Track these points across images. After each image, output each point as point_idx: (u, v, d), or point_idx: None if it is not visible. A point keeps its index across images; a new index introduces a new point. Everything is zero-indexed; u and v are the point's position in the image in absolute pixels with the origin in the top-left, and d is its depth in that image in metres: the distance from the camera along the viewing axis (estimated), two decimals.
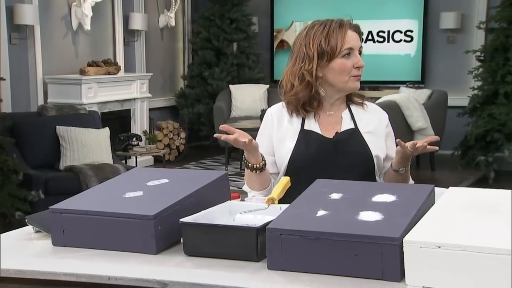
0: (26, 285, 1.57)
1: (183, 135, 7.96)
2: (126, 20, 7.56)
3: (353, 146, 2.09)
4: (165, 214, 1.64)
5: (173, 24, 8.31)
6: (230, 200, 1.86)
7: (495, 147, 6.80)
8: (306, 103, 2.12)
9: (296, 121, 2.14)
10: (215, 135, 2.05)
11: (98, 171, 5.50)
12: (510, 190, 1.47)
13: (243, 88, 8.05)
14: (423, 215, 1.47)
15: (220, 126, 2.05)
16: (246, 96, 8.00)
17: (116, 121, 6.98)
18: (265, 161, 2.08)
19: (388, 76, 8.03)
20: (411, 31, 7.94)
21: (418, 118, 6.28)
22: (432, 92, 7.07)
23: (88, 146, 5.69)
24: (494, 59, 6.83)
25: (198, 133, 8.36)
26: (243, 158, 2.10)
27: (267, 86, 8.18)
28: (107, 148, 5.81)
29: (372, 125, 2.15)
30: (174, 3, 8.23)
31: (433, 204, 1.56)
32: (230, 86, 8.06)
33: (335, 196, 1.61)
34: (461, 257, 1.28)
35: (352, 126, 2.13)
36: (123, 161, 6.35)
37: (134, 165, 6.46)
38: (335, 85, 2.11)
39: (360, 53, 2.11)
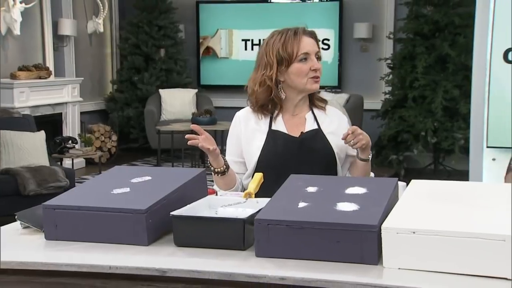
0: (26, 277, 1.59)
1: (114, 137, 7.90)
2: (55, 26, 7.44)
3: (317, 145, 2.21)
4: (155, 208, 1.69)
5: (101, 30, 8.21)
6: (207, 195, 1.93)
7: (405, 147, 7.09)
8: (264, 105, 2.22)
9: (264, 122, 2.24)
10: (186, 136, 2.11)
11: (35, 173, 5.38)
12: (466, 182, 1.61)
13: (172, 92, 8.07)
14: (393, 205, 1.59)
15: (191, 125, 2.13)
16: (175, 100, 8.02)
17: (48, 124, 6.85)
18: (227, 165, 2.17)
19: None
20: (328, 40, 8.20)
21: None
22: (349, 97, 7.33)
23: (24, 149, 5.56)
24: (403, 67, 7.10)
25: (128, 136, 8.32)
26: (208, 162, 2.20)
27: (196, 90, 8.24)
28: (43, 151, 5.69)
29: (334, 126, 2.27)
30: (102, 10, 8.15)
31: (397, 195, 1.70)
32: (160, 90, 8.06)
33: (311, 189, 1.71)
34: (433, 241, 1.40)
35: (316, 126, 2.24)
36: (59, 163, 6.24)
37: (71, 167, 6.36)
38: (296, 88, 2.22)
39: (319, 57, 2.23)
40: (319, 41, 2.28)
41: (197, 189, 1.89)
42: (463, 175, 6.38)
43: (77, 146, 6.40)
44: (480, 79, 3.96)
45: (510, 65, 3.75)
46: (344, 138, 2.09)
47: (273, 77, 2.19)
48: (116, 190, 1.80)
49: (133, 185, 1.83)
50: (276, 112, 2.24)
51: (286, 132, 2.22)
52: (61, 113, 7.30)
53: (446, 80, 6.81)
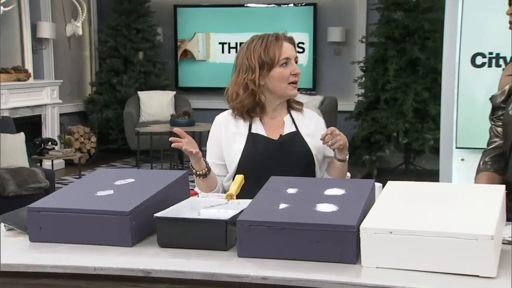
0: (10, 279, 1.57)
1: (93, 139, 7.83)
2: (34, 29, 7.36)
3: (296, 147, 2.21)
4: (139, 210, 1.69)
5: (80, 33, 8.15)
6: (190, 197, 1.93)
7: (377, 147, 7.13)
8: (250, 109, 2.22)
9: (243, 126, 2.24)
10: (170, 139, 2.11)
11: (15, 175, 5.31)
12: (440, 183, 1.63)
13: (151, 94, 8.03)
14: (371, 206, 1.60)
15: (174, 129, 2.13)
16: (154, 102, 7.98)
17: (28, 126, 6.77)
18: (208, 168, 2.17)
19: None
20: (303, 43, 8.22)
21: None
22: (324, 98, 7.37)
23: (4, 150, 5.49)
24: (375, 70, 7.14)
25: (107, 137, 8.26)
26: (190, 165, 2.19)
27: (174, 92, 8.21)
28: (23, 153, 5.63)
29: (311, 128, 2.28)
30: (80, 13, 8.09)
31: (374, 196, 1.71)
32: (139, 92, 8.01)
33: (291, 191, 1.72)
34: (409, 241, 1.42)
35: (294, 129, 2.25)
36: (38, 164, 6.17)
37: (50, 168, 6.29)
38: (276, 92, 2.23)
39: (296, 62, 2.24)
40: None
41: (179, 191, 1.88)
42: (433, 175, 6.46)
43: (56, 148, 6.33)
44: (449, 83, 4.01)
45: (477, 69, 3.81)
46: (323, 139, 2.10)
47: (256, 80, 2.19)
48: (100, 192, 1.79)
49: (117, 187, 1.82)
50: (256, 115, 2.24)
51: (266, 135, 2.22)
52: (40, 115, 7.23)
53: (416, 83, 6.87)
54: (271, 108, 2.26)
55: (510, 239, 1.63)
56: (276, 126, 2.25)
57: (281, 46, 2.20)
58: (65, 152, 6.32)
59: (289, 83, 2.21)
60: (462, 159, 3.93)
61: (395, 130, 6.85)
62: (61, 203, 1.73)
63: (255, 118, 2.24)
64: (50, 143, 6.22)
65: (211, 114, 9.07)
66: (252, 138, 2.21)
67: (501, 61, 3.77)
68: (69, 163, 7.32)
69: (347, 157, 2.21)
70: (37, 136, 6.91)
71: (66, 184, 6.60)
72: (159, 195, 1.78)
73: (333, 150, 2.18)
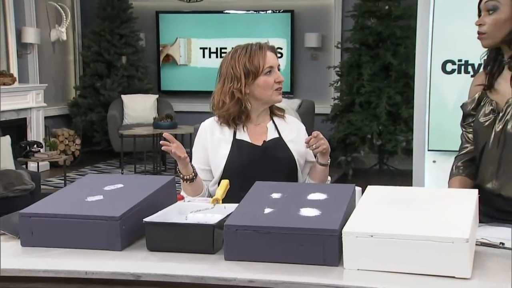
0: (2, 283, 1.55)
1: (78, 141, 7.77)
2: (19, 34, 7.28)
3: (279, 152, 2.22)
4: (128, 215, 1.68)
5: (64, 38, 8.08)
6: (177, 201, 1.92)
7: (352, 149, 7.17)
8: (236, 117, 2.23)
9: (228, 132, 2.24)
10: (161, 142, 2.10)
11: (1, 177, 5.24)
12: (417, 187, 1.65)
13: (134, 97, 7.99)
14: (352, 210, 1.62)
15: (164, 134, 2.12)
16: (137, 105, 7.94)
17: (13, 129, 6.69)
18: (195, 173, 2.17)
19: None
20: (281, 49, 8.24)
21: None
22: (301, 102, 7.39)
23: None
24: (350, 74, 7.18)
25: (91, 140, 8.20)
26: (177, 170, 2.19)
27: (157, 96, 8.18)
28: (9, 155, 5.56)
29: (293, 134, 2.29)
30: (64, 19, 8.02)
31: (354, 200, 1.73)
32: (122, 96, 7.97)
33: (276, 195, 1.72)
34: (389, 244, 1.43)
35: (277, 135, 2.26)
36: (24, 166, 6.11)
37: (36, 170, 6.23)
38: (261, 99, 2.23)
39: (278, 69, 2.25)
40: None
41: (167, 196, 1.88)
42: (405, 174, 6.52)
43: (42, 150, 6.27)
44: (421, 88, 4.05)
45: (447, 75, 3.86)
46: (307, 142, 2.12)
47: (242, 89, 2.19)
48: (90, 197, 1.78)
49: (106, 193, 1.82)
50: (241, 123, 2.24)
51: (250, 141, 2.23)
52: (25, 118, 7.16)
53: (389, 87, 6.93)
54: (256, 115, 2.27)
55: (482, 240, 1.66)
56: (259, 132, 2.25)
57: (264, 55, 2.20)
58: (50, 154, 6.25)
59: (274, 90, 2.22)
60: (434, 161, 3.98)
61: (369, 132, 6.89)
62: (52, 209, 1.71)
63: (239, 125, 2.24)
64: (35, 145, 6.15)
65: (193, 116, 9.10)
66: (237, 144, 2.21)
67: (469, 68, 3.82)
68: (54, 165, 7.25)
69: (328, 161, 2.23)
70: (23, 139, 6.84)
71: (52, 186, 6.57)
72: (147, 200, 1.77)
73: (316, 154, 2.19)
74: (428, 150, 3.97)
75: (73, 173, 7.22)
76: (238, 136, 2.23)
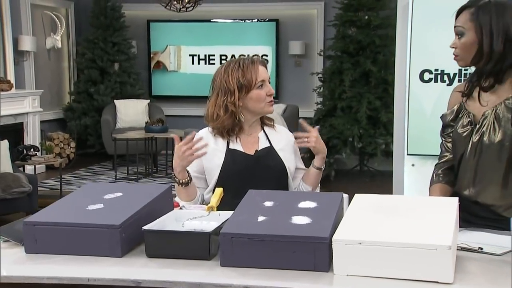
0: None
1: (73, 144, 7.73)
2: (15, 42, 7.24)
3: (271, 161, 2.22)
4: (128, 223, 1.68)
5: (59, 46, 8.04)
6: (173, 209, 1.92)
7: (335, 151, 7.19)
8: (230, 129, 2.22)
9: (222, 142, 2.24)
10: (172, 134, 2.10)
11: (0, 180, 5.21)
12: (402, 196, 1.66)
13: (126, 102, 7.96)
14: (340, 217, 1.63)
15: (173, 135, 2.13)
16: (129, 110, 7.91)
17: (11, 133, 6.65)
18: (190, 177, 2.16)
19: None
20: (266, 56, 8.25)
21: None
22: (286, 106, 7.40)
23: None
24: (332, 80, 7.21)
25: (85, 143, 8.15)
26: (173, 175, 2.17)
27: (148, 100, 8.16)
28: (7, 159, 5.52)
29: (283, 143, 2.29)
30: (59, 27, 7.97)
31: (343, 207, 1.74)
32: (115, 101, 7.94)
33: (268, 204, 1.73)
34: (377, 251, 1.44)
35: (268, 144, 2.26)
36: (21, 169, 6.06)
37: (32, 172, 6.18)
38: (254, 111, 2.23)
39: (269, 82, 2.25)
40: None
41: (164, 203, 1.88)
42: (384, 175, 6.57)
43: (38, 154, 6.22)
44: (401, 95, 4.08)
45: (425, 84, 3.89)
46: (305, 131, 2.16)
47: (235, 102, 2.18)
48: (91, 206, 1.77)
49: (106, 201, 1.81)
50: (234, 134, 2.24)
51: (243, 151, 2.23)
52: (22, 123, 7.11)
53: (369, 93, 6.97)
54: (248, 126, 2.26)
55: (462, 245, 1.68)
56: (251, 142, 2.26)
57: (257, 70, 2.20)
58: (46, 158, 6.21)
59: (266, 102, 2.22)
60: (413, 165, 4.01)
61: (350, 135, 6.92)
62: (55, 217, 1.70)
63: (232, 136, 2.24)
64: (32, 149, 6.10)
65: (183, 120, 9.06)
66: (231, 153, 2.21)
67: (445, 77, 3.86)
68: (49, 167, 7.21)
69: (322, 167, 2.25)
70: (20, 143, 6.78)
71: (48, 188, 6.52)
72: (146, 208, 1.77)
73: (303, 147, 2.22)
74: (408, 155, 4.00)
75: (68, 175, 7.18)
76: (231, 146, 2.23)
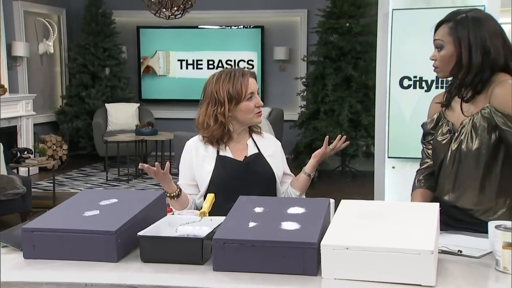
0: None
1: (65, 146, 7.67)
2: (9, 48, 7.17)
3: (260, 167, 2.22)
4: (123, 229, 1.67)
5: (51, 51, 7.98)
6: (166, 214, 1.92)
7: None
8: (219, 138, 2.22)
9: (212, 150, 2.24)
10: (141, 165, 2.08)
11: None
12: (387, 201, 1.67)
13: (117, 106, 7.92)
14: (328, 222, 1.64)
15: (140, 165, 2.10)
16: (120, 113, 7.87)
17: (4, 136, 6.58)
18: (179, 189, 2.15)
19: None
20: (252, 61, 8.26)
21: (265, 130, 6.56)
22: (271, 110, 7.41)
23: None
24: (315, 85, 7.23)
25: (77, 145, 8.10)
26: (162, 189, 2.15)
27: (138, 104, 8.13)
28: (2, 162, 5.46)
29: (271, 149, 2.30)
30: (52, 33, 7.91)
31: (329, 213, 1.75)
32: (106, 104, 7.89)
33: (258, 210, 1.73)
34: (363, 255, 1.45)
35: (256, 151, 2.26)
36: (15, 171, 6.00)
37: (26, 174, 6.12)
38: (243, 122, 2.23)
39: (258, 94, 2.25)
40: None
41: (158, 210, 1.87)
42: (365, 175, 6.61)
43: (32, 156, 6.17)
44: (382, 100, 4.10)
45: (404, 90, 3.92)
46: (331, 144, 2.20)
47: (225, 113, 2.17)
48: (87, 212, 1.76)
49: (102, 208, 1.80)
50: (224, 143, 2.24)
51: (232, 157, 2.23)
52: (16, 126, 7.04)
53: (351, 97, 7.00)
54: (236, 133, 2.26)
55: (442, 248, 1.70)
56: (240, 148, 2.25)
57: (247, 82, 2.19)
58: (40, 160, 6.16)
59: (255, 113, 2.22)
60: (393, 167, 4.04)
61: (333, 137, 6.88)
62: (52, 224, 1.69)
63: (222, 144, 2.23)
64: (26, 152, 6.04)
65: (172, 123, 9.01)
66: (221, 160, 2.21)
67: (424, 84, 3.89)
68: (42, 169, 7.14)
69: (312, 174, 2.25)
70: (13, 146, 6.72)
71: (41, 189, 6.46)
72: (140, 214, 1.76)
73: (330, 154, 2.27)
74: (388, 157, 4.03)
75: (61, 176, 7.13)
76: (221, 153, 2.23)
